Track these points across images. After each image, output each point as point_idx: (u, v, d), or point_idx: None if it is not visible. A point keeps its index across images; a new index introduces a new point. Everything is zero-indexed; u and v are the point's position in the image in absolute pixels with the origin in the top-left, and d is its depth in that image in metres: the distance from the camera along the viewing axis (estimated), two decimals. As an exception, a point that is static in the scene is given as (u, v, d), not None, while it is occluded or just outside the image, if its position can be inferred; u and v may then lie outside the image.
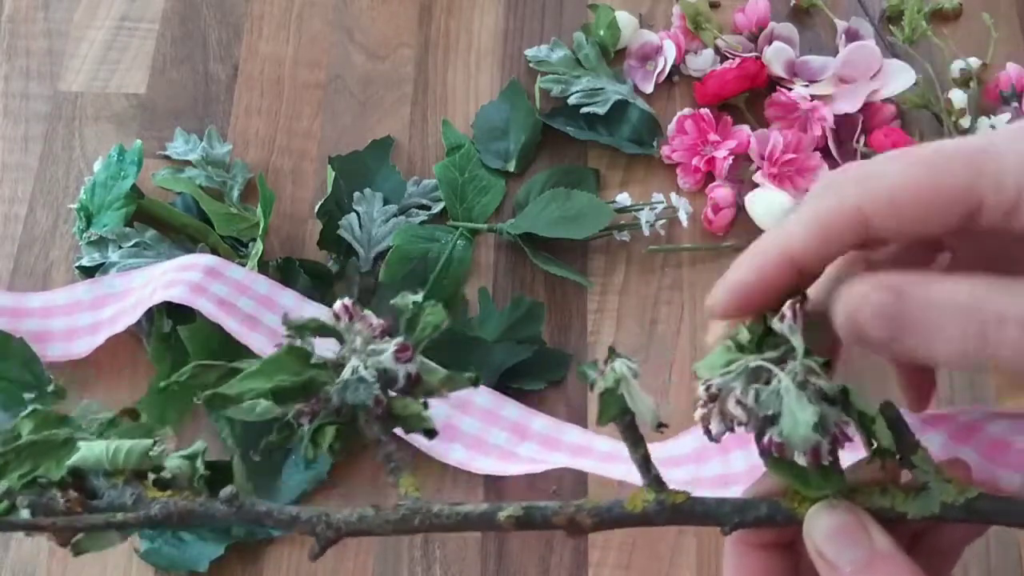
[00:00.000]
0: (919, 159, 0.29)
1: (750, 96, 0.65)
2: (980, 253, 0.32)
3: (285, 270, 0.60)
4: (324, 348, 0.32)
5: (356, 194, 0.62)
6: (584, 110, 0.64)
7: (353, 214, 0.62)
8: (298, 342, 0.32)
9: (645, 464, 0.32)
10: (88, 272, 0.60)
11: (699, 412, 0.31)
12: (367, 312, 0.32)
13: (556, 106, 0.66)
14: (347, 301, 0.32)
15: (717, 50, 0.67)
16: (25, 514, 0.32)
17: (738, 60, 0.65)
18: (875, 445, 0.31)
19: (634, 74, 0.67)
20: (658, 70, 0.66)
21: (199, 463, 0.33)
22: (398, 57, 0.69)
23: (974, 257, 0.32)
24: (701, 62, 0.67)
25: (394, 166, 0.64)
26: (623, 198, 0.62)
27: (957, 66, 0.66)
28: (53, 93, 0.68)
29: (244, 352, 0.55)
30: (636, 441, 0.32)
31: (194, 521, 0.32)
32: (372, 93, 0.67)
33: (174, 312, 0.58)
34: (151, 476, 0.33)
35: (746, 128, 0.64)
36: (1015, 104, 0.64)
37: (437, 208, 0.63)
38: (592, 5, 0.69)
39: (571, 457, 0.54)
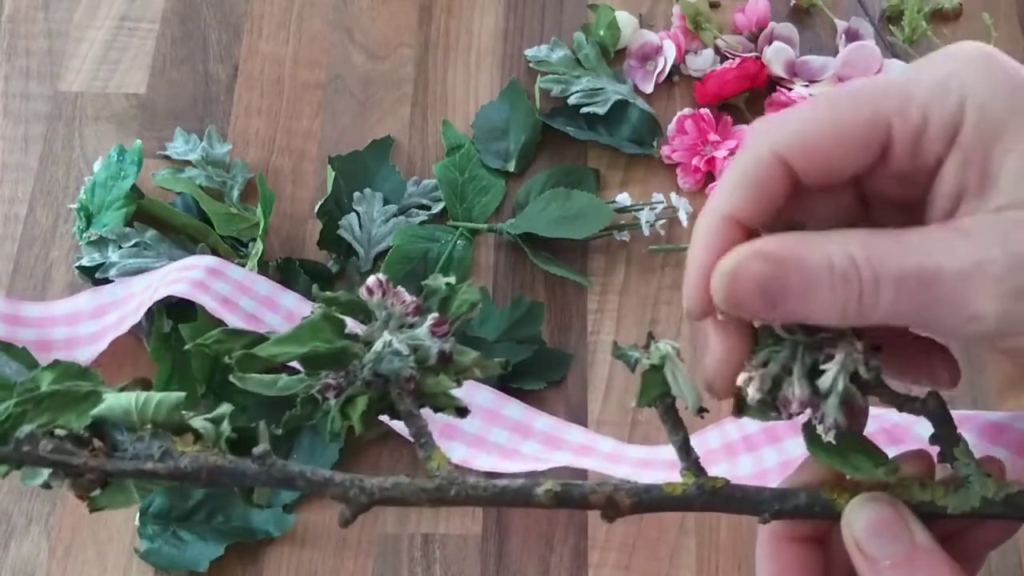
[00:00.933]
0: (829, 99, 0.30)
1: (750, 96, 0.65)
2: (898, 208, 0.32)
3: (285, 270, 0.60)
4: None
5: (356, 194, 0.62)
6: (584, 110, 0.64)
7: (353, 214, 0.62)
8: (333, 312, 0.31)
9: (685, 448, 0.32)
10: (88, 272, 0.60)
11: (742, 377, 0.30)
12: (399, 288, 0.32)
13: (556, 106, 0.66)
14: (381, 276, 0.32)
15: (717, 50, 0.67)
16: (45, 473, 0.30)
17: (738, 60, 0.65)
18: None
19: (634, 74, 0.67)
20: (658, 70, 0.66)
21: (225, 425, 0.32)
22: (398, 57, 0.69)
23: (892, 213, 0.32)
24: (701, 62, 0.67)
25: (394, 166, 0.64)
26: (623, 198, 0.62)
27: (957, 66, 0.66)
28: (53, 93, 0.68)
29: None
30: (676, 424, 0.32)
31: (224, 478, 0.31)
32: (372, 93, 0.67)
33: (174, 311, 0.58)
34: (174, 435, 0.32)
35: (746, 128, 0.64)
36: (1015, 104, 0.64)
37: (437, 208, 0.63)
38: (592, 5, 0.69)
39: (574, 456, 0.54)
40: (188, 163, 0.64)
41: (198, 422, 0.32)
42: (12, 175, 0.65)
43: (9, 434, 0.30)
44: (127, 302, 0.58)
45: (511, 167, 0.64)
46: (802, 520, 0.33)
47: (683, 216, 0.61)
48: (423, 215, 0.63)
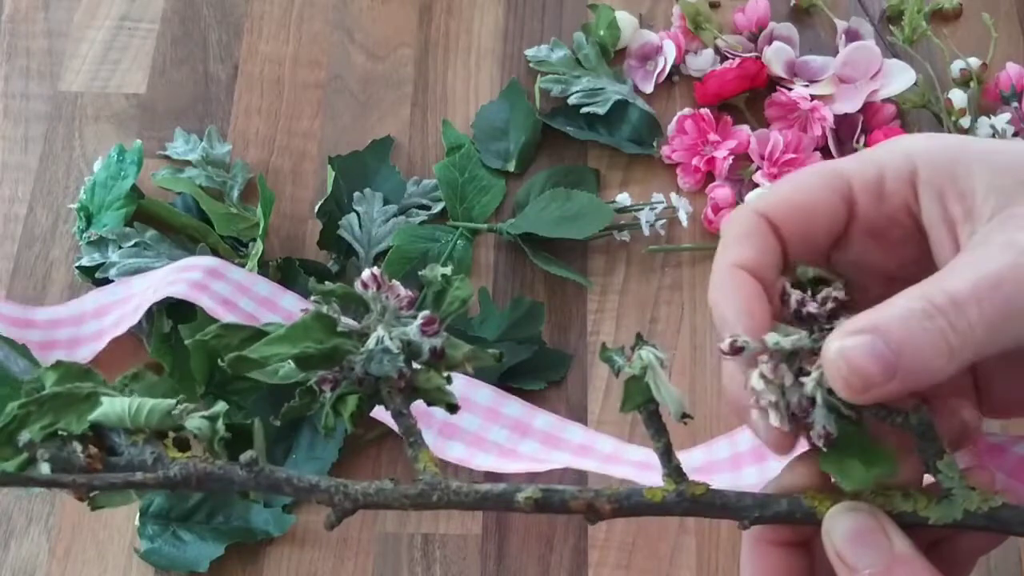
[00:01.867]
0: (798, 175, 0.34)
1: (750, 96, 0.65)
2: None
3: (285, 270, 0.60)
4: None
5: (356, 194, 0.62)
6: (584, 110, 0.64)
7: (353, 214, 0.62)
8: (324, 309, 0.31)
9: (667, 454, 0.32)
10: (88, 272, 0.60)
11: (755, 381, 0.31)
12: (394, 282, 0.32)
13: (556, 106, 0.66)
14: (375, 270, 0.32)
15: (717, 50, 0.67)
16: (45, 468, 0.31)
17: (738, 60, 0.65)
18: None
19: (634, 74, 0.67)
20: (658, 70, 0.66)
21: (220, 425, 0.32)
22: (398, 57, 0.69)
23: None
24: (701, 62, 0.67)
25: (394, 166, 0.64)
26: (623, 198, 0.62)
27: (957, 66, 0.66)
28: (53, 93, 0.68)
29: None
30: (659, 430, 0.32)
31: (213, 484, 0.31)
32: (372, 93, 0.67)
33: (174, 312, 0.58)
34: (171, 436, 0.32)
35: (746, 128, 0.64)
36: (1015, 104, 0.64)
37: (437, 208, 0.63)
38: (592, 5, 0.69)
39: (572, 456, 0.54)
40: (188, 163, 0.64)
41: (194, 420, 0.32)
42: (12, 175, 0.65)
43: (14, 435, 0.31)
44: (127, 302, 0.58)
45: (511, 167, 0.64)
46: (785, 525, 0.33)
47: (683, 216, 0.61)
48: (423, 215, 0.63)
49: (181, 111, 0.67)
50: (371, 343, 0.31)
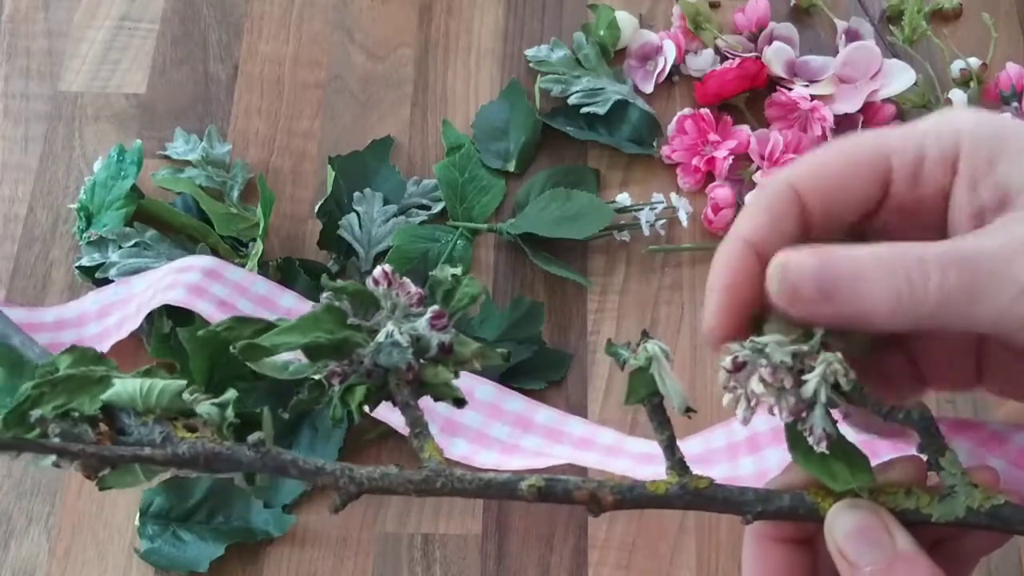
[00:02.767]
0: (839, 144, 0.33)
1: (750, 96, 0.65)
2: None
3: (285, 270, 0.60)
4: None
5: (356, 194, 0.62)
6: (584, 110, 0.64)
7: (353, 214, 0.62)
8: (335, 303, 0.32)
9: (670, 447, 0.32)
10: (88, 272, 0.60)
11: (722, 376, 0.31)
12: (405, 279, 0.32)
13: (556, 106, 0.66)
14: (386, 267, 0.32)
15: (717, 50, 0.67)
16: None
17: (738, 60, 0.65)
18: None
19: (634, 74, 0.67)
20: (658, 70, 0.66)
21: (229, 411, 0.32)
22: (398, 57, 0.69)
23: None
24: (701, 62, 0.67)
25: (394, 166, 0.64)
26: (623, 198, 0.62)
27: (957, 66, 0.66)
28: (53, 93, 0.68)
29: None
30: (662, 423, 0.32)
31: (220, 465, 0.31)
32: (372, 93, 0.67)
33: (174, 313, 0.58)
34: (180, 420, 0.33)
35: (746, 128, 0.64)
36: (1015, 104, 0.64)
37: (437, 208, 0.63)
38: (592, 5, 0.69)
39: (574, 451, 0.54)
40: (188, 163, 0.64)
41: (204, 407, 0.32)
42: (12, 175, 0.65)
43: (27, 414, 0.31)
44: (128, 303, 0.58)
45: (511, 167, 0.64)
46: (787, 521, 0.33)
47: (683, 216, 0.61)
48: (423, 215, 0.63)
49: (181, 111, 0.67)
50: (381, 336, 0.31)
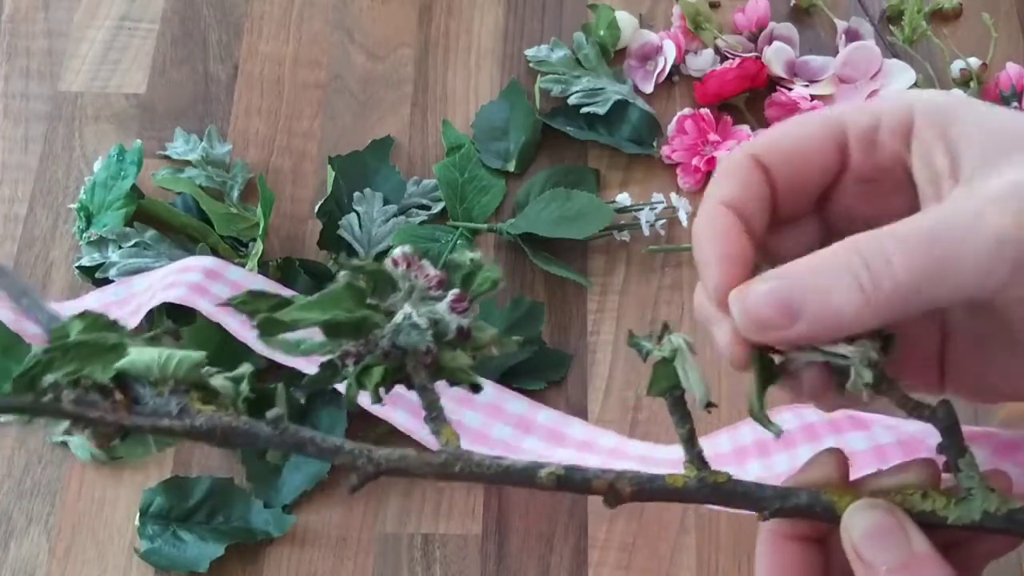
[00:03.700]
0: (798, 117, 0.34)
1: (750, 96, 0.65)
2: None
3: (285, 270, 0.60)
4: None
5: (356, 194, 0.62)
6: (584, 110, 0.64)
7: (353, 214, 0.62)
8: (355, 282, 0.31)
9: (690, 440, 0.32)
10: (88, 272, 0.60)
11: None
12: (424, 262, 0.32)
13: (556, 106, 0.66)
14: (406, 248, 0.32)
15: (717, 50, 0.67)
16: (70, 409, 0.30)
17: (738, 60, 0.65)
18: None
19: (634, 74, 0.67)
20: (658, 70, 0.66)
21: (244, 385, 0.32)
22: (398, 57, 0.69)
23: None
24: (701, 62, 0.67)
25: (394, 166, 0.64)
26: (623, 198, 0.62)
27: (957, 66, 0.66)
28: (53, 93, 0.68)
29: (246, 351, 0.55)
30: (683, 417, 0.32)
31: (238, 439, 0.31)
32: (372, 93, 0.67)
33: (174, 312, 0.58)
34: (195, 392, 0.32)
35: (746, 128, 0.64)
36: (1015, 104, 0.64)
37: (437, 208, 0.63)
38: (592, 5, 0.69)
39: (575, 453, 0.54)
40: (188, 163, 0.64)
41: (219, 380, 0.32)
42: (12, 175, 0.65)
43: (37, 380, 0.30)
44: (128, 303, 0.58)
45: (511, 167, 0.64)
46: (802, 520, 0.33)
47: (683, 216, 0.61)
48: (423, 215, 0.63)
49: (181, 111, 0.67)
50: (399, 317, 0.31)
